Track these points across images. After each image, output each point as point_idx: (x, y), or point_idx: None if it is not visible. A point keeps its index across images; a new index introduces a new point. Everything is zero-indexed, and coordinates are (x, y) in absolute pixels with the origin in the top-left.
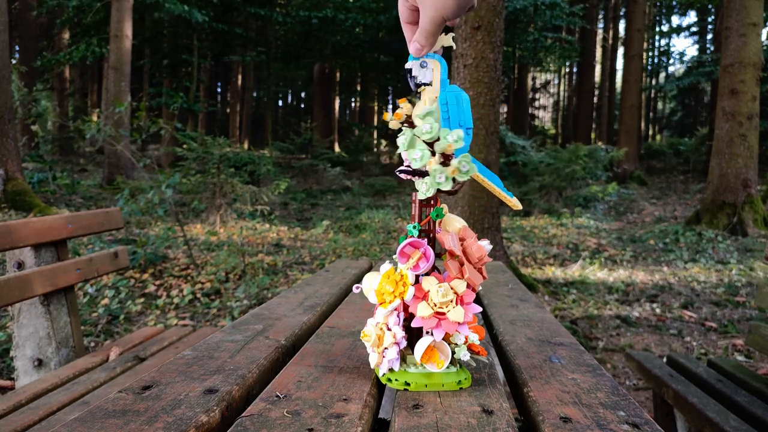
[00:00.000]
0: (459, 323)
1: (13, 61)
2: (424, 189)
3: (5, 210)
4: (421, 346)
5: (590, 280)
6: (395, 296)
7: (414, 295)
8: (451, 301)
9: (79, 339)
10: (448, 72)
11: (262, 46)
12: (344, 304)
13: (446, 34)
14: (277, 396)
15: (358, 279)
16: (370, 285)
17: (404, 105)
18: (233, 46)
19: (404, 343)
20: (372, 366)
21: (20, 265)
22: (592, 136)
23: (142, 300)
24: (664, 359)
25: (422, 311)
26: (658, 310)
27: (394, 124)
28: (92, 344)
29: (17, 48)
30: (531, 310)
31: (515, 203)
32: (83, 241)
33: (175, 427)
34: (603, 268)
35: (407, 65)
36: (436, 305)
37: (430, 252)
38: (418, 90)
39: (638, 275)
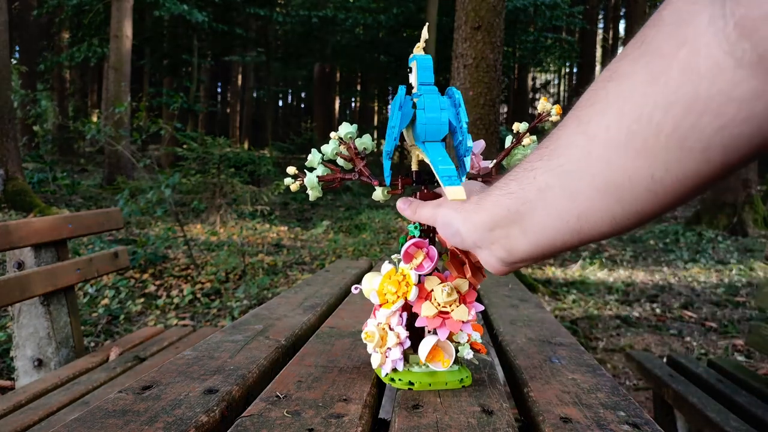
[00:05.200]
0: (463, 322)
1: (14, 61)
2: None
3: (5, 210)
4: (426, 345)
5: (590, 280)
6: (398, 296)
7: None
8: (455, 301)
9: (79, 339)
10: (449, 71)
11: (262, 46)
12: (344, 304)
13: (426, 25)
14: (277, 396)
15: (358, 279)
16: (371, 285)
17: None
18: (233, 46)
19: (408, 343)
20: (374, 366)
21: (20, 265)
22: None
23: (142, 300)
24: (664, 359)
25: (427, 311)
26: (658, 310)
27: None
28: (92, 344)
29: (17, 48)
30: (531, 310)
31: (450, 192)
32: (83, 241)
33: (175, 427)
34: (603, 268)
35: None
36: (440, 305)
37: (434, 252)
38: None
39: (638, 275)
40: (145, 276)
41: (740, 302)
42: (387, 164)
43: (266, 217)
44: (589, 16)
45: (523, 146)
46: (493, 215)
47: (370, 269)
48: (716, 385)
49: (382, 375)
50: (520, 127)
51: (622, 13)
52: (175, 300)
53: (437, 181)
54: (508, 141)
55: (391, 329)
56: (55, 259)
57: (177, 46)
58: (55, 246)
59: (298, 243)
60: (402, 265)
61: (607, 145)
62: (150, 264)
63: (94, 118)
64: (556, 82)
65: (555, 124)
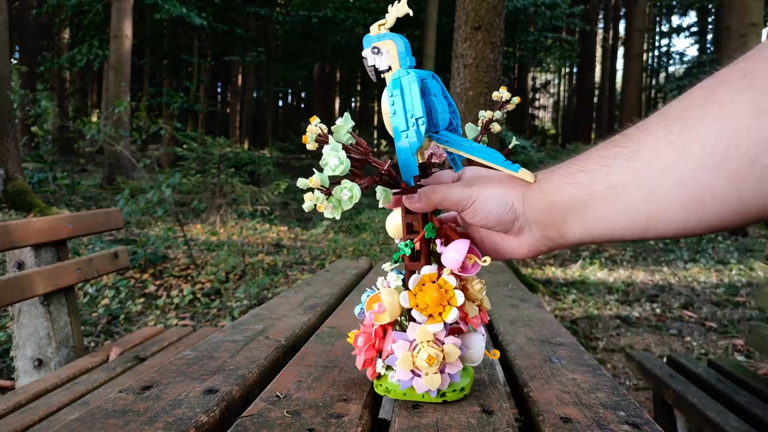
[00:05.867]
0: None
1: (14, 61)
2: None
3: (5, 210)
4: (480, 346)
5: (590, 280)
6: (443, 306)
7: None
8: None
9: (79, 339)
10: (449, 71)
11: (262, 46)
12: (344, 304)
13: (399, 2)
14: (277, 396)
15: (359, 279)
16: (397, 303)
17: (314, 123)
18: (233, 46)
19: (465, 350)
20: (419, 392)
21: (20, 265)
22: (592, 136)
23: (142, 300)
24: (664, 359)
25: (472, 311)
26: (658, 310)
27: (311, 146)
28: (92, 344)
29: (17, 48)
30: (531, 310)
31: (527, 175)
32: (83, 241)
33: (175, 427)
34: (603, 268)
35: (363, 53)
36: (476, 300)
37: (477, 251)
38: (382, 78)
39: (638, 275)
40: (145, 276)
41: (740, 302)
42: (414, 162)
43: (266, 217)
44: (589, 16)
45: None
46: (555, 200)
47: (370, 269)
48: (716, 385)
49: (433, 396)
50: (494, 115)
51: (622, 13)
52: (175, 300)
53: (428, 174)
54: (471, 131)
55: (440, 344)
56: (55, 259)
57: (177, 46)
58: (55, 246)
59: (298, 243)
60: (430, 271)
61: (698, 162)
62: (150, 264)
63: (94, 118)
64: (556, 82)
65: (552, 136)
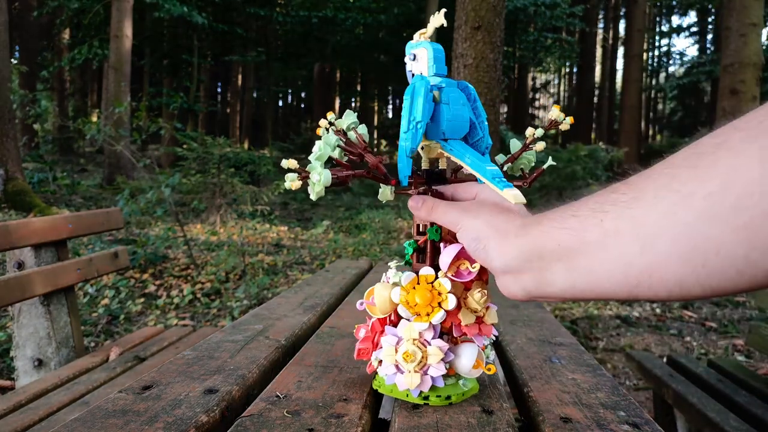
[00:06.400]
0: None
1: (14, 61)
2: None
3: (5, 210)
4: (470, 356)
5: None
6: (433, 307)
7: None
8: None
9: (79, 339)
10: (449, 71)
11: (262, 46)
12: (344, 304)
13: (438, 12)
14: (277, 396)
15: (359, 279)
16: (388, 298)
17: (330, 117)
18: (233, 46)
19: (452, 356)
20: (401, 389)
21: (20, 265)
22: (592, 136)
23: (142, 300)
24: (664, 359)
25: (467, 319)
26: (658, 310)
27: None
28: (92, 344)
29: (17, 48)
30: (531, 310)
31: (510, 195)
32: (83, 241)
33: (175, 427)
34: None
35: (405, 59)
36: (476, 311)
37: (471, 258)
38: None
39: None
40: (145, 276)
41: (740, 302)
42: (408, 163)
43: (266, 217)
44: (589, 16)
45: (531, 151)
46: (539, 245)
47: (370, 269)
48: (716, 385)
49: (414, 396)
50: (535, 132)
51: (622, 13)
52: (175, 300)
53: (447, 180)
54: (515, 146)
55: (425, 344)
56: (55, 259)
57: (177, 46)
58: (55, 246)
59: (298, 243)
60: (426, 272)
61: (703, 212)
62: (150, 264)
63: (94, 118)
64: (556, 82)
65: (552, 136)
